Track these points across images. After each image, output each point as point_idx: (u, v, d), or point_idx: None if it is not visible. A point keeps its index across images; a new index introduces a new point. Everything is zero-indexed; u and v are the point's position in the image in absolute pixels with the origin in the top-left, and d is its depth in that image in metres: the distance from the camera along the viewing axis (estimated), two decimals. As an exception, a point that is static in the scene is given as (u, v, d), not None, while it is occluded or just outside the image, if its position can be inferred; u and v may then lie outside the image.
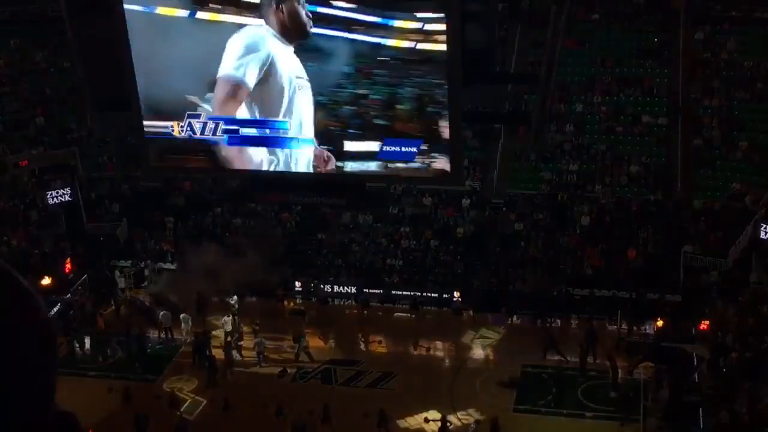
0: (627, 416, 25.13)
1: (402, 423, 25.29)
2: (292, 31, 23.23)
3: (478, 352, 29.54)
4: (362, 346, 29.95)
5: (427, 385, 26.87)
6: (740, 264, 29.46)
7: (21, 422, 1.70)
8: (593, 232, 32.27)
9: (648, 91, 35.55)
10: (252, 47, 23.67)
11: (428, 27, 23.09)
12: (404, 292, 32.02)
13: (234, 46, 23.64)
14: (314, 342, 29.21)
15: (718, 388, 24.70)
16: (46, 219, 34.15)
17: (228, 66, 23.87)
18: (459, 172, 27.52)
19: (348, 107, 24.90)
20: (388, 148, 25.75)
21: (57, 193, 33.13)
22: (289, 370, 28.31)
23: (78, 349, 29.11)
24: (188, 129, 25.07)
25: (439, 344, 30.39)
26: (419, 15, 23.05)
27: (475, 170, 34.83)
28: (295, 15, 22.88)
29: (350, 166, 25.60)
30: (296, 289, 32.64)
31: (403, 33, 23.37)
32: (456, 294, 31.41)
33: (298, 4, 22.77)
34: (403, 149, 25.69)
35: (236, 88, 24.16)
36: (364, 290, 32.04)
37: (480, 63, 23.00)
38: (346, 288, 32.39)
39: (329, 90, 24.42)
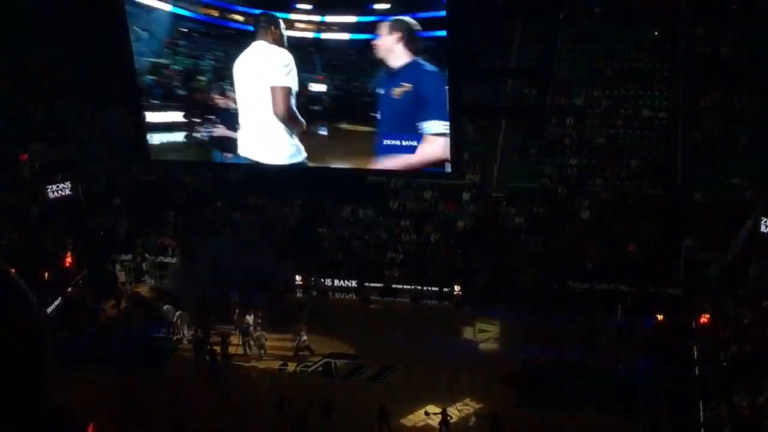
0: (627, 410, 25.15)
1: (402, 417, 25.32)
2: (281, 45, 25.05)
3: (478, 346, 29.55)
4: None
5: (427, 379, 26.91)
6: (740, 258, 29.45)
7: (16, 418, 1.70)
8: (593, 226, 32.27)
9: (648, 86, 35.49)
10: (286, 60, 25.17)
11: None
12: (405, 286, 32.05)
13: (273, 60, 25.06)
14: (315, 336, 29.22)
15: (718, 381, 24.73)
16: (47, 214, 34.12)
17: (280, 78, 25.32)
18: (458, 166, 27.52)
19: (149, 77, 25.77)
20: (388, 142, 25.68)
21: (57, 187, 33.08)
22: (289, 364, 28.36)
23: (78, 343, 29.10)
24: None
25: (439, 338, 30.39)
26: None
27: (476, 164, 34.80)
28: (281, 35, 24.80)
29: (155, 138, 26.90)
30: (297, 282, 32.66)
31: (205, 7, 24.34)
32: (456, 288, 31.43)
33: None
34: (404, 143, 25.65)
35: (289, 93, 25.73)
36: (365, 284, 32.08)
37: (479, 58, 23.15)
38: (346, 282, 32.41)
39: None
